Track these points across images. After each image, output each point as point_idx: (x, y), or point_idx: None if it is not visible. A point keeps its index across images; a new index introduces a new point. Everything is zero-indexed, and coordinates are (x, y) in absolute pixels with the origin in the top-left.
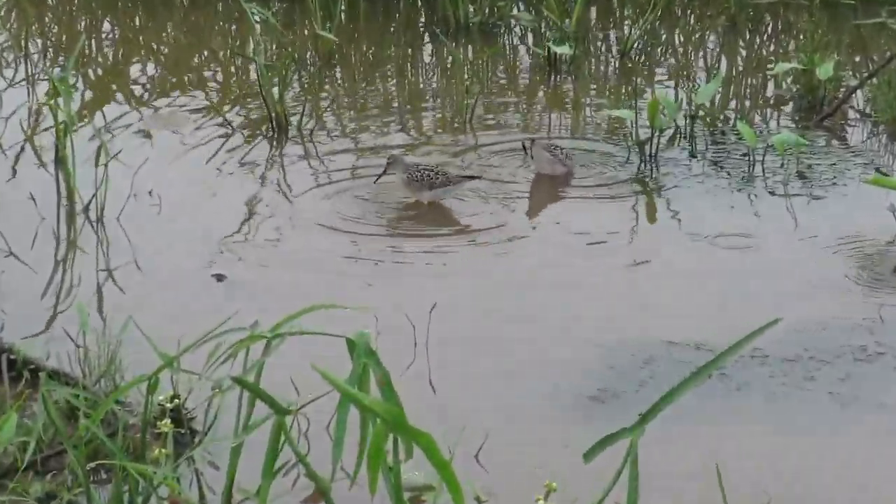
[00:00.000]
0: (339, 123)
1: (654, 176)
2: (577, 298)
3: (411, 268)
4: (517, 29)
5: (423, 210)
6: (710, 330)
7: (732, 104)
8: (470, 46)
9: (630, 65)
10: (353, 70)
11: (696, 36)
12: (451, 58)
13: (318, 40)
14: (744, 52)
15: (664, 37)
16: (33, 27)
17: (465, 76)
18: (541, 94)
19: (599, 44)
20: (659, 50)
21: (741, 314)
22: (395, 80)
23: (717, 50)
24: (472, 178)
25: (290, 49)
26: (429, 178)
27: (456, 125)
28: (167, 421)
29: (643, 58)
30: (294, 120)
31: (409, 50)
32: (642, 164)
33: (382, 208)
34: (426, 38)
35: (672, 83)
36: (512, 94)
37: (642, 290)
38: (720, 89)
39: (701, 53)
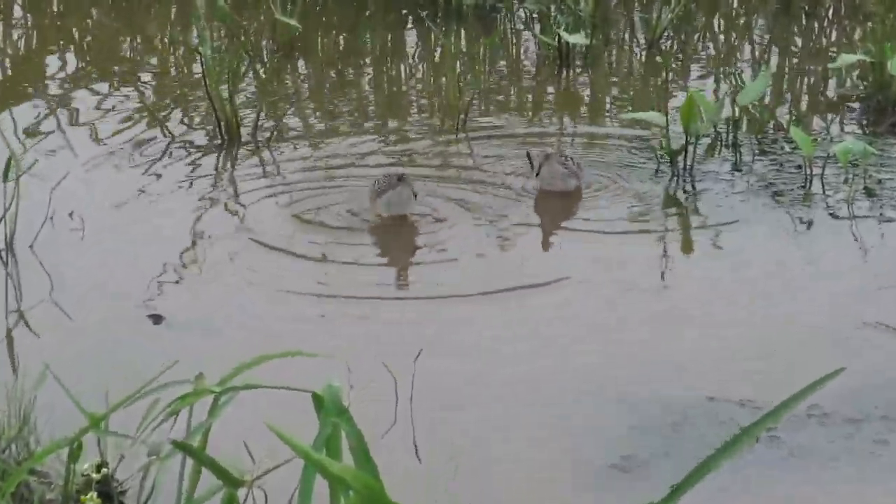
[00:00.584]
0: (303, 129)
1: (688, 194)
2: (596, 346)
3: (393, 306)
4: (521, 13)
5: (408, 237)
6: (758, 383)
7: (785, 105)
8: (463, 34)
9: (659, 57)
10: (320, 63)
11: (741, 21)
12: (440, 48)
13: (277, 26)
14: (799, 42)
15: (701, 22)
16: None
17: (458, 71)
18: (550, 93)
19: (622, 31)
20: (695, 38)
21: (795, 364)
22: (371, 76)
23: (767, 39)
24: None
25: (242, 37)
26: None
27: (446, 131)
28: (93, 494)
29: (675, 48)
30: (247, 124)
31: (389, 38)
32: (675, 180)
33: (357, 233)
34: (409, 24)
35: (711, 80)
36: (514, 94)
37: (674, 335)
38: (770, 87)
39: (746, 43)
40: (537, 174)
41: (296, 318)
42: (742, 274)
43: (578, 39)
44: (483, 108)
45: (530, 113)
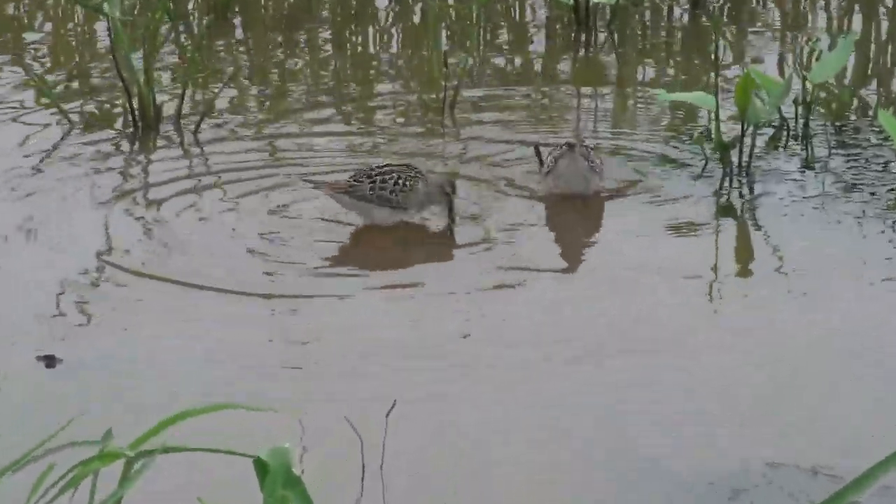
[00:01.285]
0: (242, 114)
1: (744, 200)
2: (629, 398)
3: (358, 342)
4: None
5: (378, 248)
6: (835, 446)
7: (871, 84)
8: None
9: (707, 19)
10: (264, 28)
11: None
12: (420, 6)
13: None
14: (889, 2)
15: None
16: None
17: (444, 39)
18: (564, 65)
19: None
20: None
21: (882, 422)
22: (329, 45)
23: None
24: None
25: None
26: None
27: (428, 116)
28: None
29: (729, 7)
30: (169, 108)
31: None
32: (727, 181)
33: (311, 246)
34: None
35: (774, 50)
36: (518, 67)
37: (729, 382)
38: (851, 61)
39: (821, 2)
40: (548, 172)
41: (233, 358)
42: (811, 319)
43: None
44: (477, 86)
45: (539, 94)
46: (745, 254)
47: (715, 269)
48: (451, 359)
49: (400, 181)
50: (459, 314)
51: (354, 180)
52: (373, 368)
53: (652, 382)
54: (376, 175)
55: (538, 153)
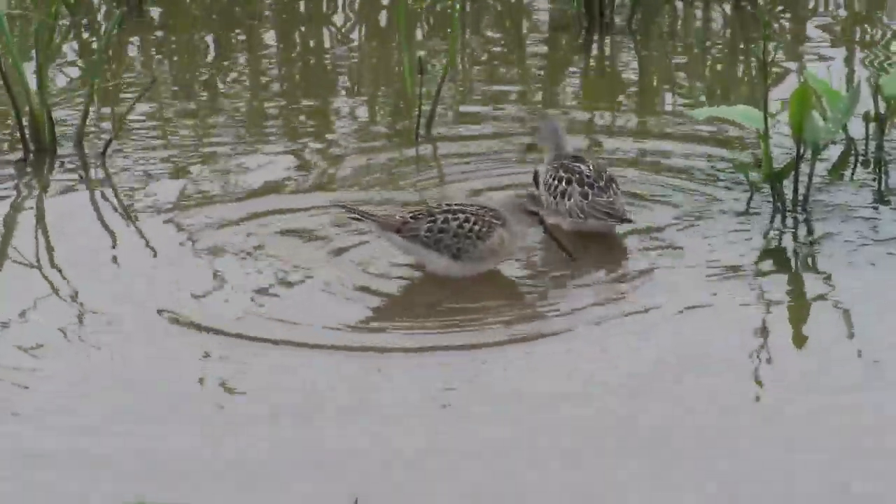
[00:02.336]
0: (161, 132)
1: (800, 244)
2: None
3: (325, 422)
4: None
5: (338, 299)
6: None
7: None
8: None
9: (750, 15)
10: (190, 26)
11: None
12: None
13: None
14: None
15: None
16: None
17: (418, 42)
18: (573, 73)
19: None
20: None
21: None
22: (274, 48)
23: None
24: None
25: None
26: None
27: (398, 138)
28: None
29: (778, 1)
30: (69, 130)
31: None
32: (778, 218)
33: (234, 303)
34: None
35: (839, 55)
36: (514, 75)
37: (799, 467)
38: None
39: None
40: (557, 203)
41: (162, 435)
42: (888, 413)
43: None
44: (460, 100)
45: (537, 103)
46: (800, 315)
47: (765, 334)
48: None
49: (467, 224)
50: None
51: (412, 217)
52: None
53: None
54: (440, 213)
55: (536, 182)
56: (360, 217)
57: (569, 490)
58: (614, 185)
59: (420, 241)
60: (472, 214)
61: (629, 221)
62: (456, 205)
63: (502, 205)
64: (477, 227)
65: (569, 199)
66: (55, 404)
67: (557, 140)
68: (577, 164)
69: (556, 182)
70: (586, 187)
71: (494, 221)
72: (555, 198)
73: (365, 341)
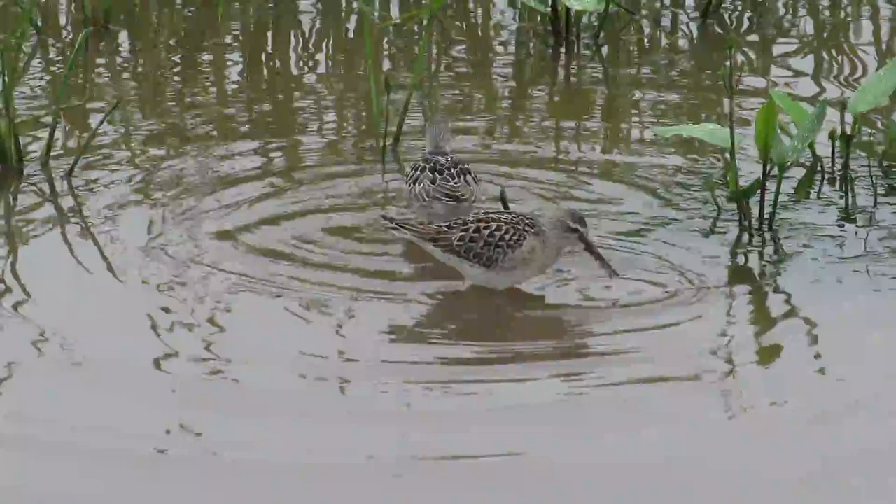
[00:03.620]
0: (127, 152)
1: (768, 263)
2: None
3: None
4: None
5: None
6: None
7: None
8: None
9: (718, 30)
10: (156, 44)
11: None
12: (356, 16)
13: None
14: None
15: None
16: None
17: (382, 57)
18: (539, 90)
19: None
20: (779, 3)
21: None
22: (237, 65)
23: (893, 9)
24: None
25: (24, 6)
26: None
27: (364, 157)
28: None
29: (744, 20)
30: (35, 147)
31: (270, 3)
32: (745, 237)
33: (209, 334)
34: None
35: (806, 71)
36: (479, 92)
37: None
38: None
39: (863, 14)
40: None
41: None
42: (858, 404)
43: (588, 5)
44: (428, 117)
45: (505, 126)
46: (765, 338)
47: (730, 358)
48: None
49: (498, 233)
50: None
51: (447, 227)
52: None
53: None
54: (473, 223)
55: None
56: (398, 227)
57: None
58: (469, 176)
59: (453, 251)
60: (505, 223)
61: (464, 201)
62: (492, 213)
63: (547, 216)
64: (507, 236)
65: (419, 185)
66: None
67: (437, 142)
68: (437, 157)
69: (412, 171)
70: (436, 174)
71: (527, 230)
72: (409, 185)
73: None
